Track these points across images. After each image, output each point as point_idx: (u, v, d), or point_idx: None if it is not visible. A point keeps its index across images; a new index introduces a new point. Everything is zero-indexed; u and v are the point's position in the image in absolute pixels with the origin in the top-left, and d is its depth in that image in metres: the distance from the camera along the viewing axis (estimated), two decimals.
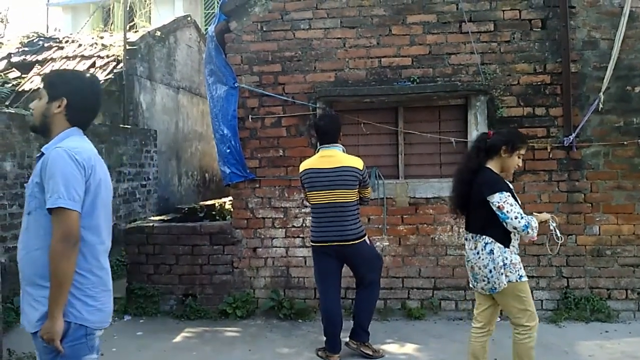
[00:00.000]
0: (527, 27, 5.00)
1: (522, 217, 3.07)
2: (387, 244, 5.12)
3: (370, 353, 4.10)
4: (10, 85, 8.14)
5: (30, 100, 6.11)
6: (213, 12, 14.58)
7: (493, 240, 3.17)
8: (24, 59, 9.06)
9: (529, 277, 3.61)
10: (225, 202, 7.69)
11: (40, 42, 9.71)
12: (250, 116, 5.26)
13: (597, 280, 4.96)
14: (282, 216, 5.25)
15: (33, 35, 10.18)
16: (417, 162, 5.24)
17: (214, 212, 7.03)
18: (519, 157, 3.32)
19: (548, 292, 5.00)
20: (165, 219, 6.20)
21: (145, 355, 4.35)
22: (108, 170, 2.28)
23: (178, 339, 4.71)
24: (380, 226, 5.13)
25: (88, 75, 2.43)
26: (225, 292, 5.26)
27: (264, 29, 5.27)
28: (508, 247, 3.18)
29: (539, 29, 4.99)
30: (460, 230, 5.04)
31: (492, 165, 3.28)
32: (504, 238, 3.17)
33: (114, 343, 4.59)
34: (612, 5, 4.93)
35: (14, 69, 8.80)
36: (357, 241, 3.97)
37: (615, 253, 4.95)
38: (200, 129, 11.09)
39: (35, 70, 8.61)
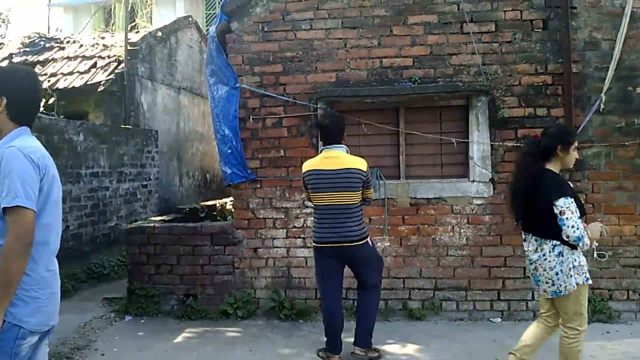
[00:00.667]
0: (528, 28, 5.00)
1: (577, 228, 3.03)
2: (388, 244, 5.12)
3: (376, 355, 4.11)
4: None
5: None
6: (214, 13, 14.59)
7: (561, 243, 3.13)
8: (25, 59, 9.09)
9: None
10: (226, 203, 7.69)
11: (42, 43, 9.74)
12: (251, 116, 5.26)
13: (599, 281, 4.95)
14: (283, 216, 5.25)
15: (34, 36, 10.21)
16: (418, 162, 5.24)
17: (215, 213, 7.03)
18: (574, 151, 3.29)
19: None
20: (167, 219, 6.20)
21: (146, 355, 4.35)
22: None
23: (179, 339, 4.71)
24: (381, 226, 5.12)
25: (24, 69, 2.32)
26: (226, 293, 5.26)
27: (265, 30, 5.27)
28: (576, 249, 3.15)
29: (540, 30, 4.99)
30: (462, 230, 5.04)
31: (552, 166, 3.25)
32: None
33: (115, 343, 4.60)
34: (614, 6, 4.92)
35: None
36: (359, 242, 3.94)
37: (617, 254, 4.94)
38: (201, 130, 11.11)
39: (36, 70, 8.62)
